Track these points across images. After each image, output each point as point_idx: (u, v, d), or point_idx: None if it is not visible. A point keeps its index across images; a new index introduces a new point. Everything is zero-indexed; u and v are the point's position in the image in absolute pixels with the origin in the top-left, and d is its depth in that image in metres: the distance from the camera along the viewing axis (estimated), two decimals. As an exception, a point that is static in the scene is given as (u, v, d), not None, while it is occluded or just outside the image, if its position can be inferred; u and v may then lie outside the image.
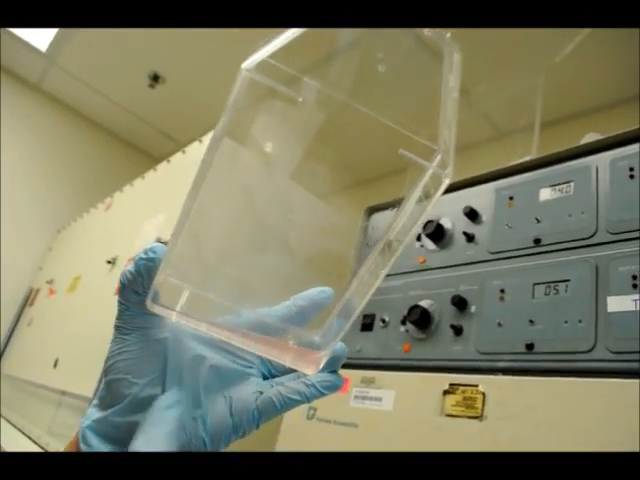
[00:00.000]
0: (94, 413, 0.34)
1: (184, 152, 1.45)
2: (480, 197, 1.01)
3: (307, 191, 0.45)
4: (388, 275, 1.10)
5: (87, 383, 1.18)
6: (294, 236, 0.43)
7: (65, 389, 1.26)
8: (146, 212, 1.41)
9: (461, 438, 0.71)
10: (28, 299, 2.26)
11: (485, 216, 0.98)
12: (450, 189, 1.09)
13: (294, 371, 0.35)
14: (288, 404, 0.34)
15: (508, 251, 0.90)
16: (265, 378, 0.36)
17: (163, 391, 0.34)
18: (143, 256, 0.33)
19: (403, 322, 0.97)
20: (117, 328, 0.35)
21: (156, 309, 0.32)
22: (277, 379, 0.36)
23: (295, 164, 0.45)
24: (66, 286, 1.74)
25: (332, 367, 0.35)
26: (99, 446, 0.33)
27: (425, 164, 0.33)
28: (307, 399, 0.34)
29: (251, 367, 0.36)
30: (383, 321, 1.00)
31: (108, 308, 1.30)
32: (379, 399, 0.83)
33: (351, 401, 0.87)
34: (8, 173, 2.41)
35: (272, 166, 0.46)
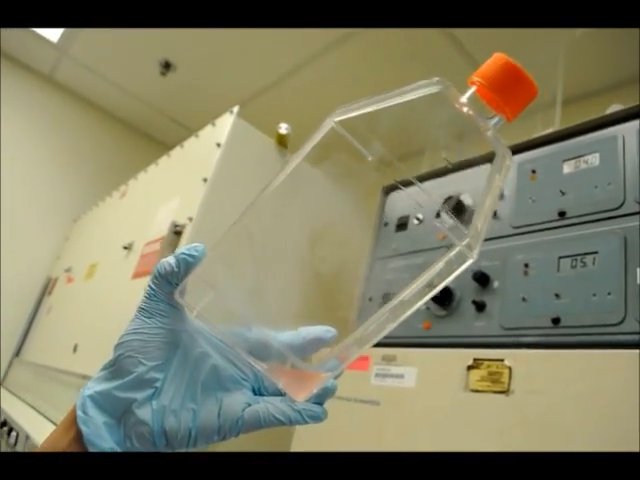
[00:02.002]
0: (97, 384, 0.36)
1: (197, 136, 1.44)
2: (501, 172, 0.99)
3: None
4: (407, 253, 1.08)
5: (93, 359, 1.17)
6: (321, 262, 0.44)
7: (85, 373, 1.26)
8: (161, 197, 1.41)
9: (486, 414, 0.70)
10: (47, 288, 2.27)
11: (507, 190, 0.96)
12: (470, 164, 1.06)
13: (282, 395, 0.38)
14: (271, 422, 0.36)
15: (532, 225, 0.88)
16: (254, 394, 0.38)
17: (165, 378, 0.36)
18: (185, 252, 0.37)
19: (424, 300, 0.95)
20: (140, 310, 0.37)
21: (182, 302, 0.36)
22: (266, 397, 0.38)
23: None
24: (83, 273, 1.74)
25: (319, 400, 0.37)
26: (96, 416, 0.35)
27: (455, 241, 0.37)
28: (290, 422, 0.36)
29: (246, 380, 0.38)
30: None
31: (125, 293, 1.30)
32: (401, 376, 0.81)
33: (372, 379, 0.85)
34: (23, 165, 2.42)
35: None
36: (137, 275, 1.27)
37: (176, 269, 0.36)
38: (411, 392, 0.79)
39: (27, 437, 1.00)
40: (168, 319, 0.37)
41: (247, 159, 1.27)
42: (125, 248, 1.44)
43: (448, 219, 1.05)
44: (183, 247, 0.37)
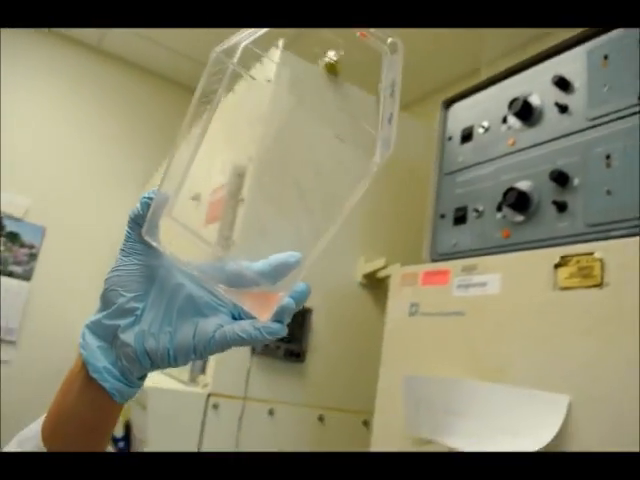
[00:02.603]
0: (92, 316, 0.42)
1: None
2: (569, 63, 0.92)
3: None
4: (475, 164, 1.04)
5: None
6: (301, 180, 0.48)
7: None
8: (218, 145, 1.42)
9: (578, 310, 0.67)
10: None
11: (578, 82, 0.89)
12: (535, 61, 1.00)
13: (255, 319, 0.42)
14: (236, 340, 0.40)
15: (609, 114, 0.82)
16: (234, 319, 0.43)
17: (145, 307, 0.41)
18: (146, 195, 0.41)
19: (499, 208, 0.92)
20: (120, 251, 0.43)
21: (150, 241, 0.40)
22: (238, 321, 0.42)
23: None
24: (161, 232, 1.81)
25: (280, 317, 0.41)
26: (91, 341, 0.41)
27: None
28: (251, 339, 0.39)
29: (223, 307, 0.42)
30: (477, 211, 0.96)
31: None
32: (484, 284, 0.80)
33: (453, 291, 0.84)
34: (90, 142, 2.51)
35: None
36: (209, 222, 1.31)
37: (140, 212, 0.41)
38: (496, 298, 0.77)
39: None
40: (143, 256, 0.42)
41: (298, 91, 1.25)
42: (193, 199, 1.48)
43: (516, 122, 0.99)
44: (148, 191, 0.42)
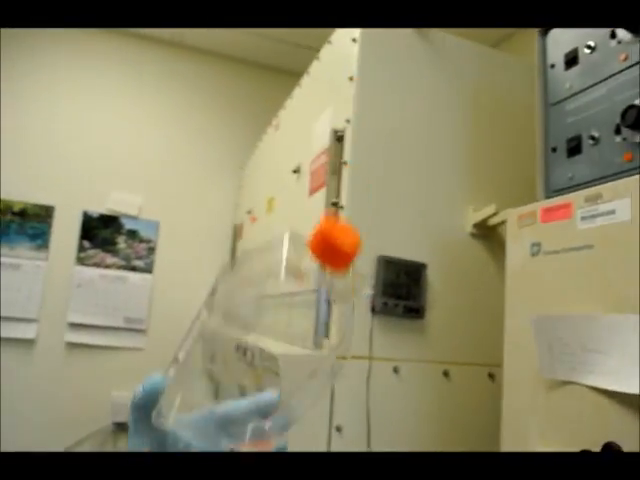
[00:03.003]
0: None
1: (330, 42, 1.43)
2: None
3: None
4: (585, 89, 0.96)
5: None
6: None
7: (291, 290, 1.40)
8: (313, 114, 1.43)
9: None
10: (236, 235, 2.51)
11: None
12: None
13: None
14: None
15: None
16: None
17: None
18: (149, 384, 0.44)
19: (617, 131, 0.85)
20: (129, 437, 0.44)
21: (159, 424, 0.43)
22: None
23: None
24: (264, 209, 1.88)
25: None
26: None
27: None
28: None
29: None
30: (592, 138, 0.89)
31: (305, 210, 1.38)
32: (612, 212, 0.75)
33: (578, 224, 0.80)
34: (187, 135, 2.63)
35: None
36: (313, 191, 1.33)
37: (147, 403, 0.43)
38: (627, 226, 0.72)
39: (261, 350, 1.13)
40: (152, 435, 0.44)
41: (385, 48, 1.23)
42: (294, 172, 1.51)
43: (626, 34, 0.90)
44: (145, 381, 0.44)
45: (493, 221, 1.19)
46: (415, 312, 1.11)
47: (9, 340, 2.24)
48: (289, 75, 2.83)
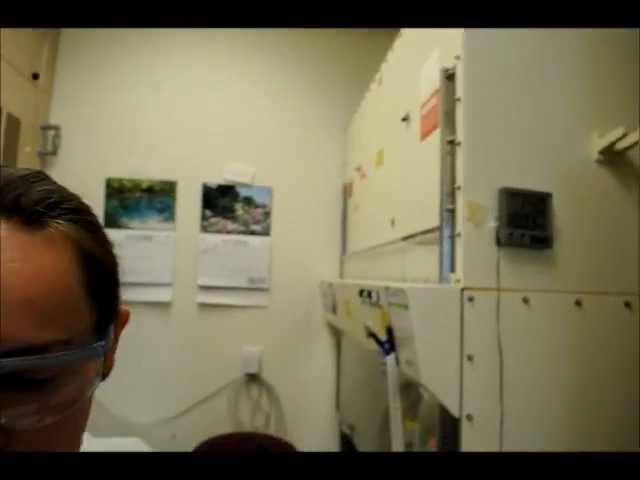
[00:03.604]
0: None
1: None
2: None
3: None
4: None
5: (414, 224, 1.32)
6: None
7: (404, 234, 1.45)
8: (418, 59, 1.43)
9: None
10: (345, 194, 2.57)
11: None
12: None
13: None
14: None
15: None
16: None
17: None
18: None
19: None
20: None
21: None
22: None
23: None
24: (373, 163, 1.91)
25: None
26: None
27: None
28: None
29: None
30: None
31: (417, 156, 1.40)
32: None
33: None
34: (291, 100, 2.71)
35: None
36: (424, 135, 1.34)
37: None
38: None
39: (387, 288, 1.18)
40: None
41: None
42: (403, 120, 1.52)
43: None
44: None
45: (621, 145, 1.13)
46: (543, 242, 1.10)
47: (149, 303, 2.49)
48: (386, 32, 2.80)
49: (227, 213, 2.60)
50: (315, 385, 2.60)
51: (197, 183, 2.60)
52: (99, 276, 0.47)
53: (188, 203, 2.59)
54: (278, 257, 2.61)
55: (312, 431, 2.57)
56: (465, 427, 1.09)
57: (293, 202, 2.65)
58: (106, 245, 0.50)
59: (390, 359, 1.16)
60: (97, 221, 0.51)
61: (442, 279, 1.14)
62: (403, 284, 1.09)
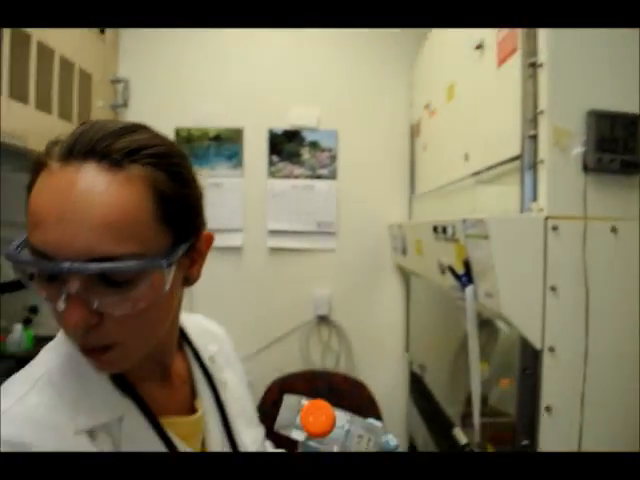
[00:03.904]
0: None
1: None
2: None
3: None
4: None
5: (490, 157, 1.27)
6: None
7: (477, 169, 1.40)
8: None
9: None
10: (412, 134, 2.51)
11: None
12: None
13: None
14: None
15: None
16: None
17: None
18: None
19: None
20: None
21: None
22: None
23: None
24: (443, 99, 1.84)
25: None
26: None
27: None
28: None
29: None
30: None
31: (492, 84, 1.33)
32: None
33: None
34: (354, 38, 2.64)
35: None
36: (501, 61, 1.27)
37: None
38: None
39: (465, 220, 1.15)
40: None
41: None
42: (477, 48, 1.45)
43: None
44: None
45: None
46: (633, 167, 1.04)
47: (221, 249, 2.56)
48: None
49: (293, 158, 2.61)
50: (384, 326, 2.63)
51: (263, 129, 2.61)
52: (172, 209, 0.59)
53: (255, 150, 2.61)
54: (345, 201, 2.60)
55: (382, 371, 2.62)
56: (547, 359, 1.07)
57: (359, 145, 2.62)
58: (184, 184, 0.62)
59: (469, 290, 1.15)
60: (182, 164, 0.63)
61: (524, 209, 1.11)
62: (482, 215, 1.06)
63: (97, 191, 0.53)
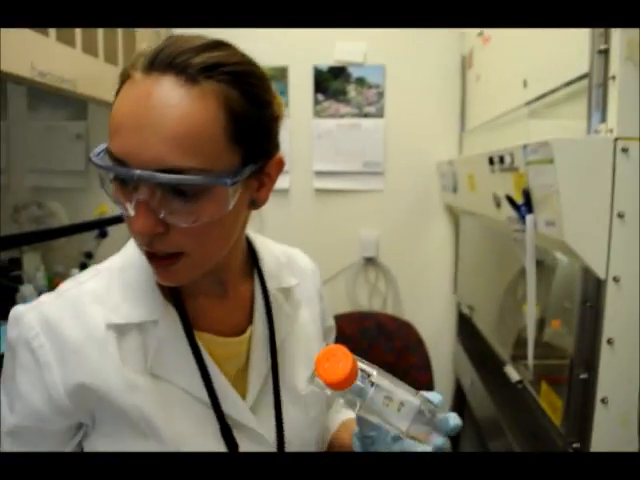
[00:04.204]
0: None
1: None
2: None
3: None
4: None
5: (552, 80, 1.19)
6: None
7: (537, 95, 1.33)
8: None
9: None
10: (464, 66, 2.39)
11: None
12: None
13: None
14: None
15: None
16: None
17: None
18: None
19: None
20: None
21: None
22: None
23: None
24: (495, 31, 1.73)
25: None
26: None
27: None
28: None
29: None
30: None
31: None
32: None
33: None
34: None
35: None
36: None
37: None
38: None
39: (525, 146, 1.10)
40: None
41: None
42: None
43: None
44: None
45: None
46: None
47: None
48: None
49: (339, 96, 2.53)
50: (432, 267, 2.60)
51: (308, 66, 2.54)
52: (243, 129, 0.60)
53: (300, 88, 2.55)
54: (393, 139, 2.53)
55: (429, 312, 2.60)
56: (610, 290, 1.03)
57: (407, 80, 2.51)
58: (258, 105, 0.62)
59: (529, 219, 1.10)
60: (259, 84, 0.63)
61: (591, 131, 1.04)
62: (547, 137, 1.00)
63: (170, 104, 0.55)
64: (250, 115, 0.60)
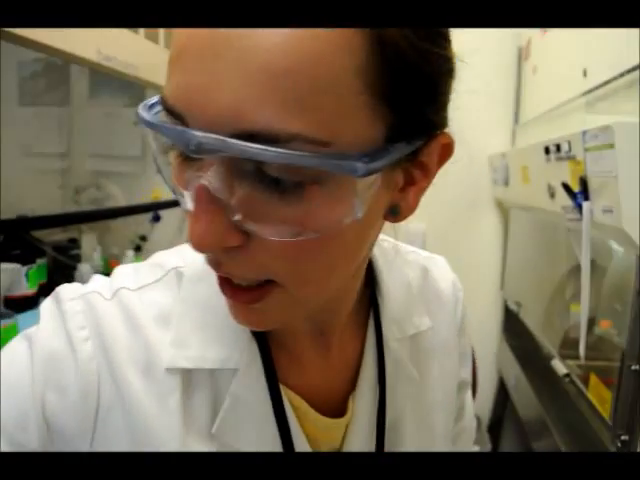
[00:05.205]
0: None
1: None
2: None
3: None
4: None
5: (614, 68, 1.16)
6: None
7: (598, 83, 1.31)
8: None
9: None
10: (520, 58, 2.35)
11: None
12: None
13: None
14: None
15: None
16: None
17: None
18: None
19: None
20: None
21: None
22: None
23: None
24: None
25: None
26: None
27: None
28: None
29: None
30: None
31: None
32: None
33: None
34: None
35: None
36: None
37: None
38: None
39: (584, 132, 1.08)
40: None
41: None
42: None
43: None
44: None
45: None
46: None
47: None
48: None
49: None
50: (480, 263, 2.57)
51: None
52: (401, 79, 0.35)
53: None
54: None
55: (476, 307, 2.56)
56: (668, 279, 1.00)
57: (460, 72, 2.46)
58: (433, 43, 0.37)
59: (586, 205, 1.08)
60: None
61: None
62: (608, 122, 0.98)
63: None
64: (417, 57, 0.36)
